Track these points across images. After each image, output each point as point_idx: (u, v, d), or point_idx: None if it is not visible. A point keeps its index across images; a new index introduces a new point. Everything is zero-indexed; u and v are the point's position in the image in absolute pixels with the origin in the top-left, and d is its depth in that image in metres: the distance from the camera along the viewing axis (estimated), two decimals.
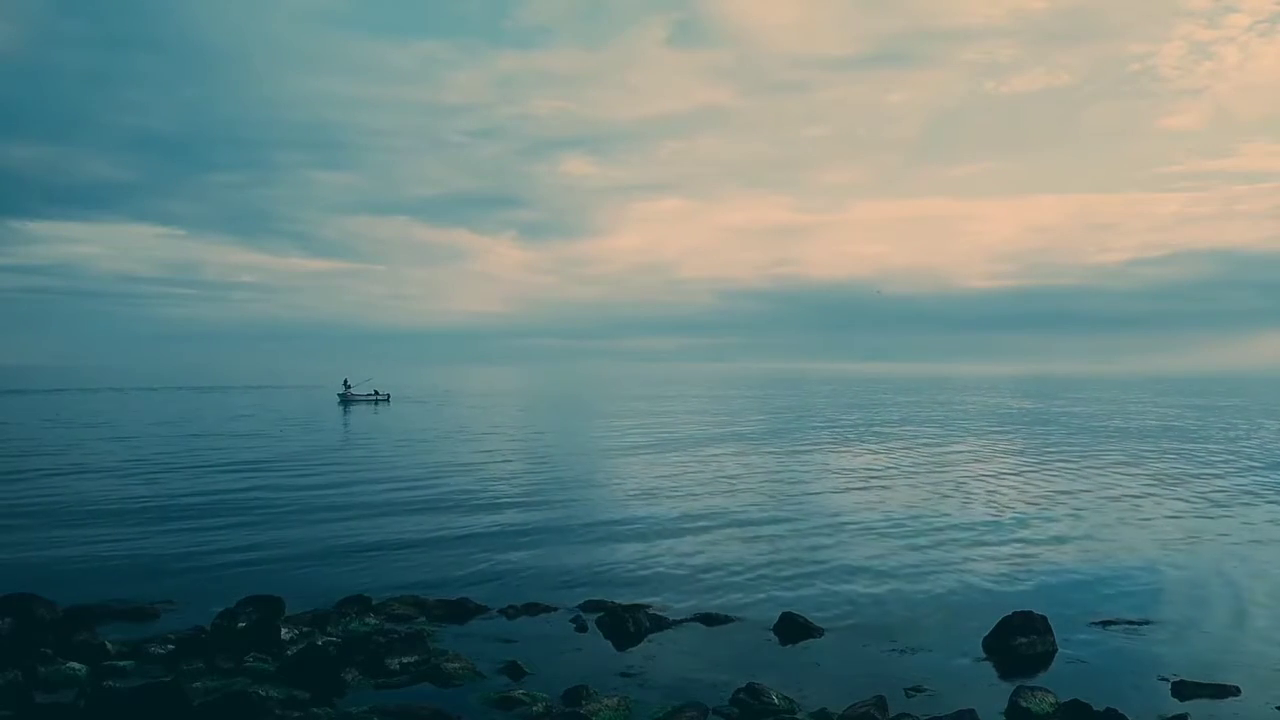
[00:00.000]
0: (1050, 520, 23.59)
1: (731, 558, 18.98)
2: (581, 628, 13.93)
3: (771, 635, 13.63)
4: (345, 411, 73.77)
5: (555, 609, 14.84)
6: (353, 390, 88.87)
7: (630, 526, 22.46)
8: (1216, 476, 32.94)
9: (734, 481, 31.16)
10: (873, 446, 44.66)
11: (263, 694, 10.12)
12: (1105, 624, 14.24)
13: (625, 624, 13.64)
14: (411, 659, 11.83)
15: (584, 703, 10.27)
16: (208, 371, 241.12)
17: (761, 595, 16.00)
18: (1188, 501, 26.94)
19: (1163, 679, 11.68)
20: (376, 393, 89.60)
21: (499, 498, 27.02)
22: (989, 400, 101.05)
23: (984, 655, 12.72)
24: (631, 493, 28.37)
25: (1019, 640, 12.76)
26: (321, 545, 19.86)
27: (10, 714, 9.83)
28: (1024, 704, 10.36)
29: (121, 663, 11.54)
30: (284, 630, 12.68)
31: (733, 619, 14.36)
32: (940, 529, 22.29)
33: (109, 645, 12.07)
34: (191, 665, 11.51)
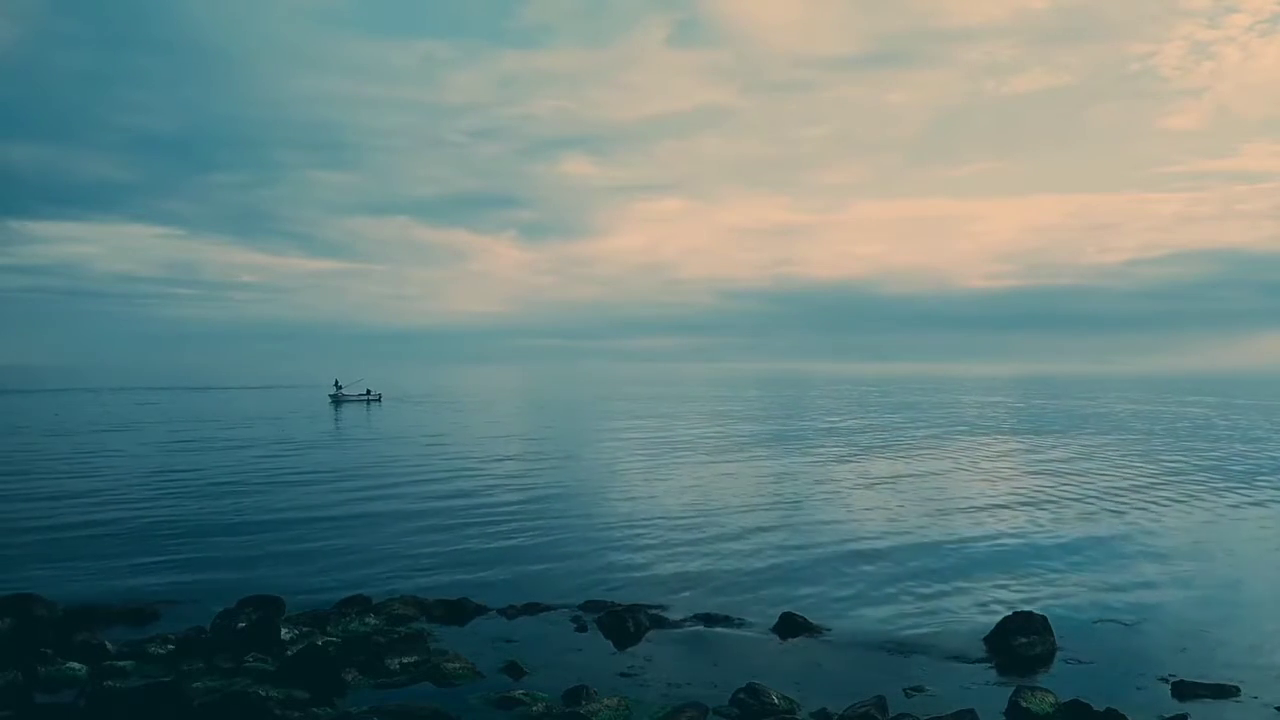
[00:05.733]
0: (1050, 520, 23.59)
1: (731, 558, 18.97)
2: (581, 628, 13.93)
3: (771, 635, 13.63)
4: (337, 412, 73.62)
5: (555, 609, 14.83)
6: (344, 391, 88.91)
7: (630, 527, 22.45)
8: (1218, 476, 32.93)
9: (734, 482, 31.14)
10: (873, 448, 44.64)
11: (263, 694, 10.12)
12: (1105, 624, 14.24)
13: (625, 624, 13.64)
14: (411, 659, 11.84)
15: (584, 703, 10.27)
16: (207, 372, 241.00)
17: (761, 595, 15.99)
18: (1189, 501, 26.93)
19: (1163, 679, 11.68)
20: (369, 393, 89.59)
21: (498, 498, 27.00)
22: (988, 400, 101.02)
23: (984, 655, 12.72)
24: (631, 492, 28.36)
25: (1019, 640, 12.76)
26: (321, 545, 19.86)
27: (10, 714, 9.82)
28: (1024, 704, 10.37)
29: (121, 663, 11.53)
30: (284, 630, 12.68)
31: (733, 619, 14.35)
32: (940, 529, 22.29)
33: (109, 645, 12.07)
34: (191, 665, 11.51)
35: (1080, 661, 12.49)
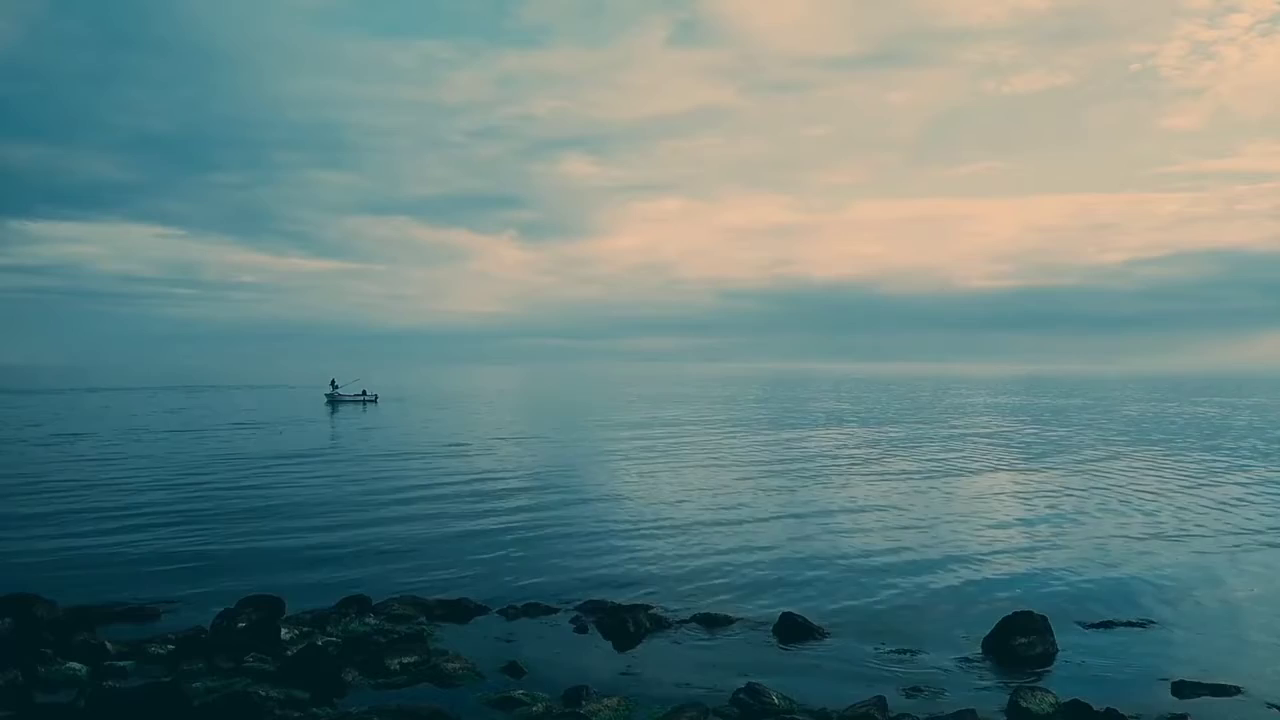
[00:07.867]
0: (1051, 520, 23.58)
1: (731, 558, 18.97)
2: (581, 628, 13.93)
3: (771, 635, 13.62)
4: (333, 412, 73.44)
5: (555, 609, 14.83)
6: (340, 391, 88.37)
7: (630, 527, 22.44)
8: (1219, 475, 32.91)
9: (734, 482, 31.14)
10: (874, 448, 44.64)
11: (263, 694, 10.11)
12: (1105, 624, 14.23)
13: (625, 624, 13.63)
14: (411, 659, 11.82)
15: (584, 703, 10.26)
16: (207, 372, 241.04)
17: (761, 595, 15.99)
18: (1190, 501, 26.90)
19: (1163, 679, 11.68)
20: (365, 393, 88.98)
21: (498, 498, 26.98)
22: (995, 400, 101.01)
23: (984, 655, 12.71)
24: (631, 493, 28.36)
25: (1019, 640, 12.75)
26: (321, 545, 19.85)
27: (10, 714, 9.82)
28: (1024, 704, 10.36)
29: (121, 663, 11.53)
30: (284, 630, 12.67)
31: (733, 619, 14.34)
32: (941, 529, 22.29)
33: (109, 645, 12.06)
34: (191, 665, 11.50)
35: (1080, 661, 12.48)
